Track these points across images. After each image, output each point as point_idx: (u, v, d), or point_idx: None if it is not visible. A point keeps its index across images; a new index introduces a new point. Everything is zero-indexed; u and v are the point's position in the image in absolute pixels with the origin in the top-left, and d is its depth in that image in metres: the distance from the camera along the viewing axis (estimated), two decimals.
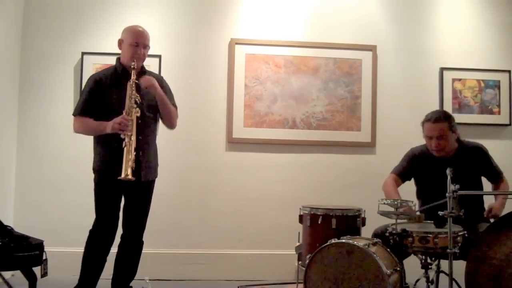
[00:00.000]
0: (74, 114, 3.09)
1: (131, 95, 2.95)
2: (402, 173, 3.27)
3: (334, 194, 4.19)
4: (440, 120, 3.07)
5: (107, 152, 3.01)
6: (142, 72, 3.10)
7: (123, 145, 2.88)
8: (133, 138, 2.90)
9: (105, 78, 3.07)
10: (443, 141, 3.06)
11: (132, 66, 2.99)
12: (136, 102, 2.96)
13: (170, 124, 3.22)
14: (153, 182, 3.20)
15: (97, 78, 3.08)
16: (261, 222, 4.17)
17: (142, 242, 3.18)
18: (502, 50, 4.45)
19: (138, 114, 2.97)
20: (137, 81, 3.01)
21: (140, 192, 3.10)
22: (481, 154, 3.17)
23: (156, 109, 3.13)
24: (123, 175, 2.82)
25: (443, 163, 2.86)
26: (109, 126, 2.91)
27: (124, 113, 2.91)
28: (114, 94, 3.02)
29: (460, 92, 4.37)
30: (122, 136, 2.89)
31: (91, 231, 3.05)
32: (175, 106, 3.25)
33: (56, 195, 4.01)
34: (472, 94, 4.38)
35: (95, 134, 3.07)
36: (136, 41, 3.04)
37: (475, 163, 3.14)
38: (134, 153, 2.88)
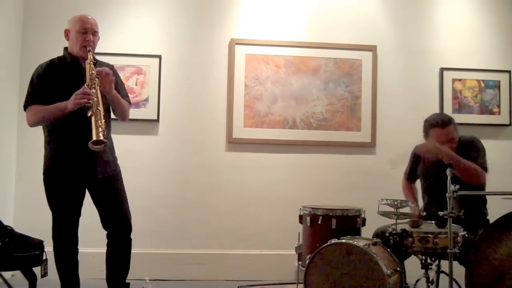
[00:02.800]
0: (25, 105, 2.86)
1: (90, 70, 2.78)
2: (409, 174, 3.37)
3: (334, 194, 4.19)
4: (448, 124, 3.05)
5: (57, 152, 2.87)
6: (94, 62, 2.89)
7: (89, 114, 2.67)
8: (100, 107, 2.70)
9: (54, 65, 2.91)
10: (452, 143, 3.04)
11: (88, 50, 2.84)
12: (97, 77, 2.77)
13: (122, 118, 3.05)
14: (115, 176, 2.99)
15: (45, 65, 2.91)
16: (261, 222, 4.17)
17: (130, 239, 3.00)
18: (502, 50, 4.45)
19: (102, 89, 2.77)
20: (94, 61, 2.88)
21: (103, 189, 2.93)
22: (472, 144, 3.09)
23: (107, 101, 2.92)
24: (94, 138, 2.61)
25: (441, 161, 2.93)
26: (70, 102, 2.71)
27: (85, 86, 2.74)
28: (65, 81, 2.82)
29: (460, 92, 4.37)
30: (88, 105, 2.68)
31: (52, 236, 2.91)
32: (127, 96, 3.10)
33: None
34: (472, 94, 4.38)
35: (53, 119, 2.81)
36: (84, 27, 2.89)
37: (468, 155, 3.01)
38: (104, 120, 2.69)
